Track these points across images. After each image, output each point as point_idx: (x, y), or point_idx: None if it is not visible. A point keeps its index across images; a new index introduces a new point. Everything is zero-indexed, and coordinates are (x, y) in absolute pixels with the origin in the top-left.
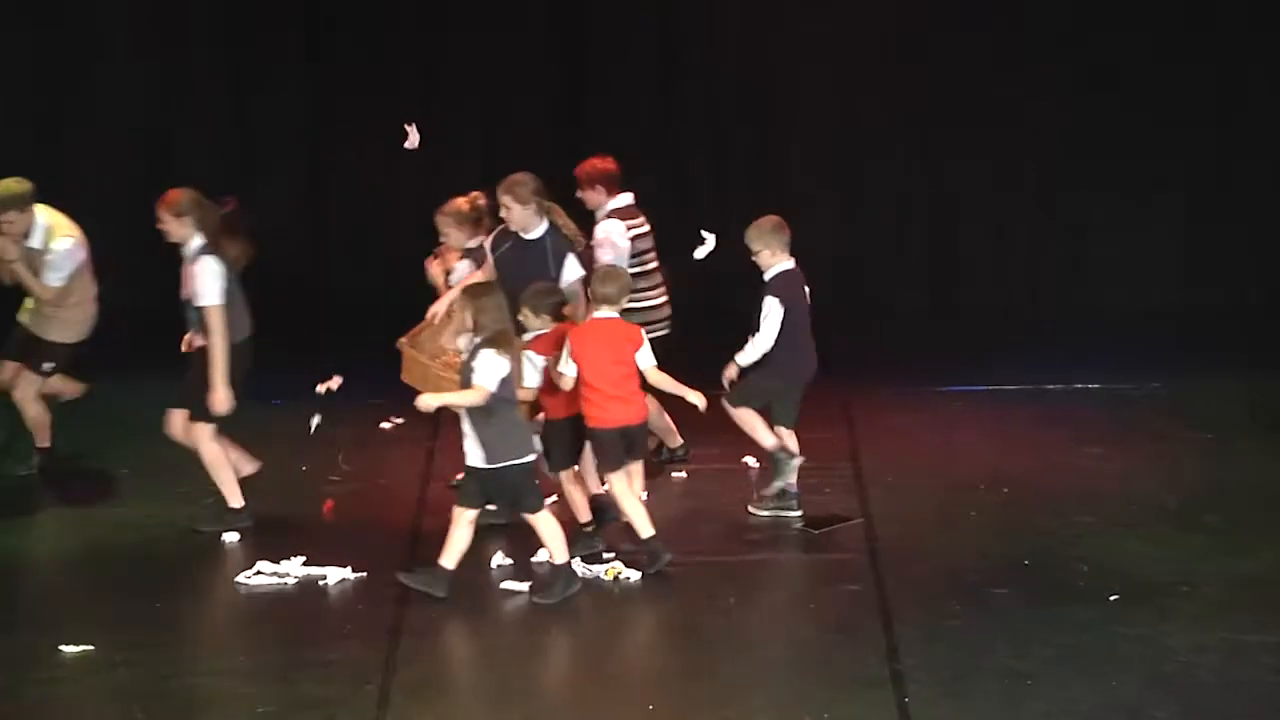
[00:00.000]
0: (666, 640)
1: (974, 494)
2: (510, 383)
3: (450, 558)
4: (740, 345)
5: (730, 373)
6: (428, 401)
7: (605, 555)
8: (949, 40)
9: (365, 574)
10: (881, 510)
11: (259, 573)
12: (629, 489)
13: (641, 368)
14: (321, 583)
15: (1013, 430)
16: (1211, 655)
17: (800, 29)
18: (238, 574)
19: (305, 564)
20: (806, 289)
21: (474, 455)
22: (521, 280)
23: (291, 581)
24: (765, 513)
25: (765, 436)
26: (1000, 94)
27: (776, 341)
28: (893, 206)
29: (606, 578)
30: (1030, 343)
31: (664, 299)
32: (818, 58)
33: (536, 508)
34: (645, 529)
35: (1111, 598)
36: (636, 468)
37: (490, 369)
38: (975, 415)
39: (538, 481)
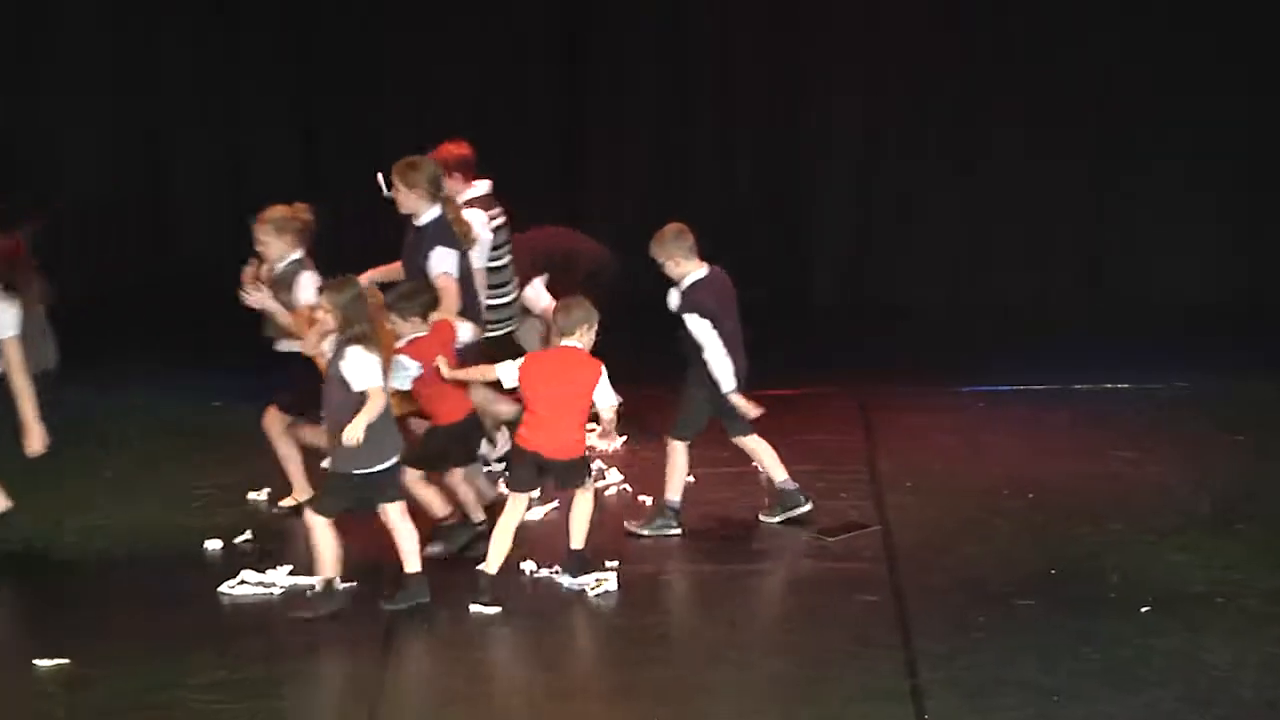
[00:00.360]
0: (671, 654)
1: (998, 500)
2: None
3: (410, 562)
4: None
5: (742, 404)
6: (353, 434)
7: (604, 568)
8: (979, 28)
9: (354, 583)
10: (900, 517)
11: (243, 582)
12: (513, 518)
13: (598, 405)
14: (309, 593)
15: (1039, 432)
16: (1250, 670)
17: (820, 21)
18: (221, 583)
19: (292, 573)
20: (733, 290)
21: (344, 459)
22: (411, 268)
23: (277, 592)
24: (776, 519)
25: (777, 470)
26: (1031, 83)
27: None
28: (910, 198)
29: (592, 591)
30: (1057, 340)
31: (514, 296)
32: (841, 55)
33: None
34: (494, 564)
35: (1144, 609)
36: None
37: (366, 368)
38: (999, 416)
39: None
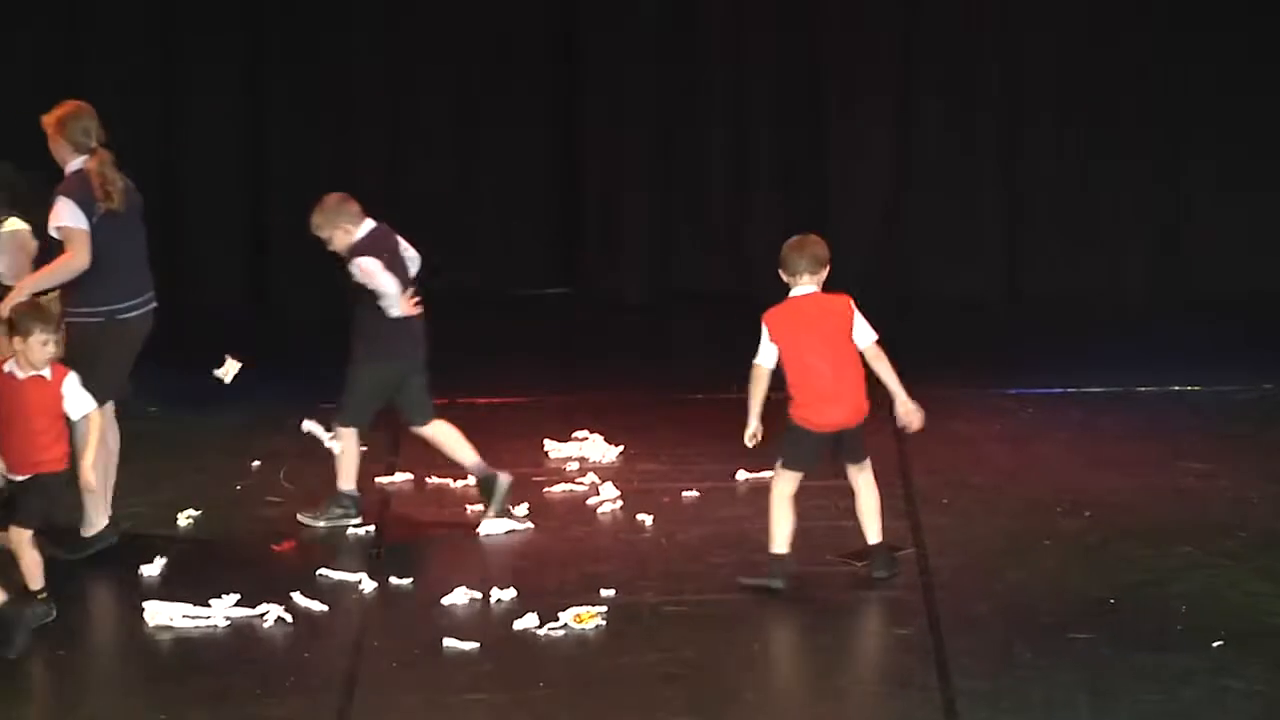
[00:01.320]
0: (676, 693)
1: (1049, 518)
2: None
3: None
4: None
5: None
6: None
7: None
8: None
9: (311, 613)
10: (937, 538)
11: (184, 616)
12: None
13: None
14: (266, 624)
15: (1095, 441)
16: None
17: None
18: (159, 614)
19: (239, 603)
20: (398, 243)
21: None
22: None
23: (223, 624)
24: (322, 524)
25: (467, 455)
26: (1085, 67)
27: (377, 318)
28: (949, 178)
29: (577, 624)
30: (1117, 337)
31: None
32: (865, 37)
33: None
34: (783, 544)
35: (1216, 644)
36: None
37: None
38: (1051, 423)
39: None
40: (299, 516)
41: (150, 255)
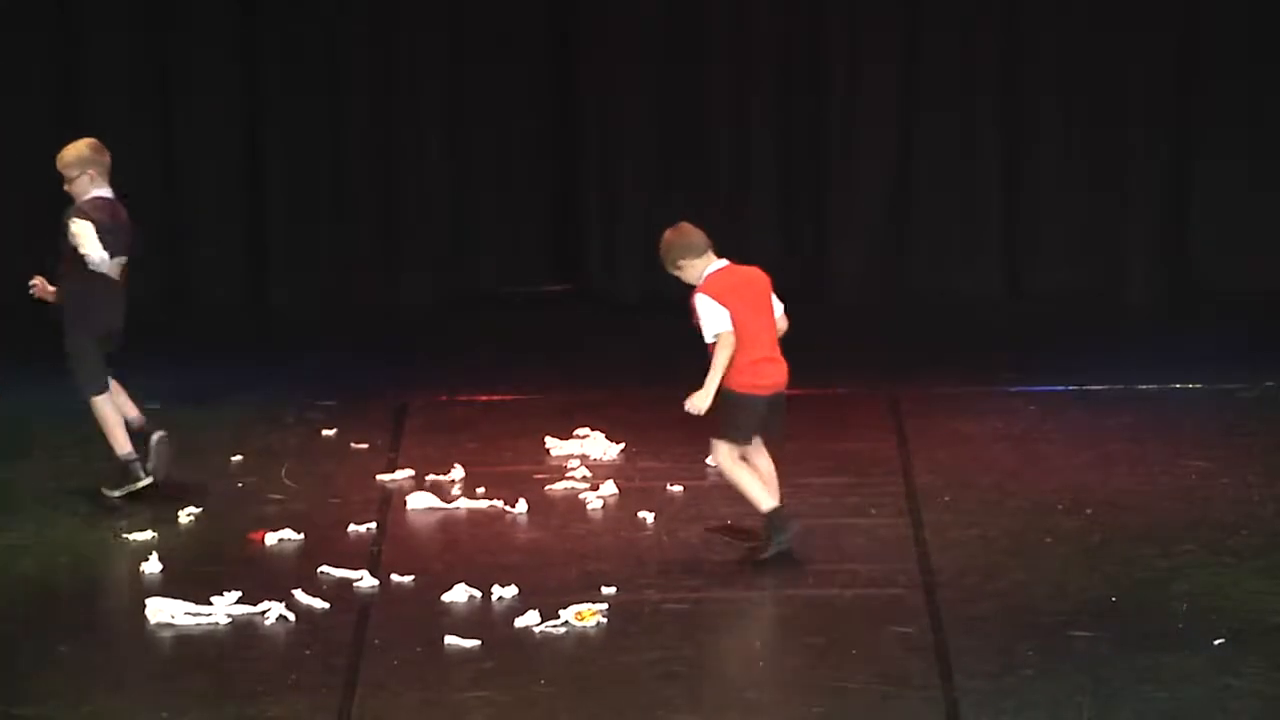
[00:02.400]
0: (677, 691)
1: (1051, 517)
2: None
3: None
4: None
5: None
6: None
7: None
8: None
9: (312, 611)
10: (939, 537)
11: (186, 613)
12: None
13: None
14: (267, 622)
15: (1098, 439)
16: None
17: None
18: (160, 611)
19: (240, 601)
20: (132, 226)
21: None
22: None
23: (224, 622)
24: (117, 494)
25: (120, 440)
26: (1087, 59)
27: (85, 286)
28: (951, 174)
29: (578, 622)
30: (1120, 335)
31: None
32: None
33: None
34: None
35: (1218, 642)
36: None
37: None
38: (1053, 421)
39: None
40: (102, 491)
41: (151, 255)
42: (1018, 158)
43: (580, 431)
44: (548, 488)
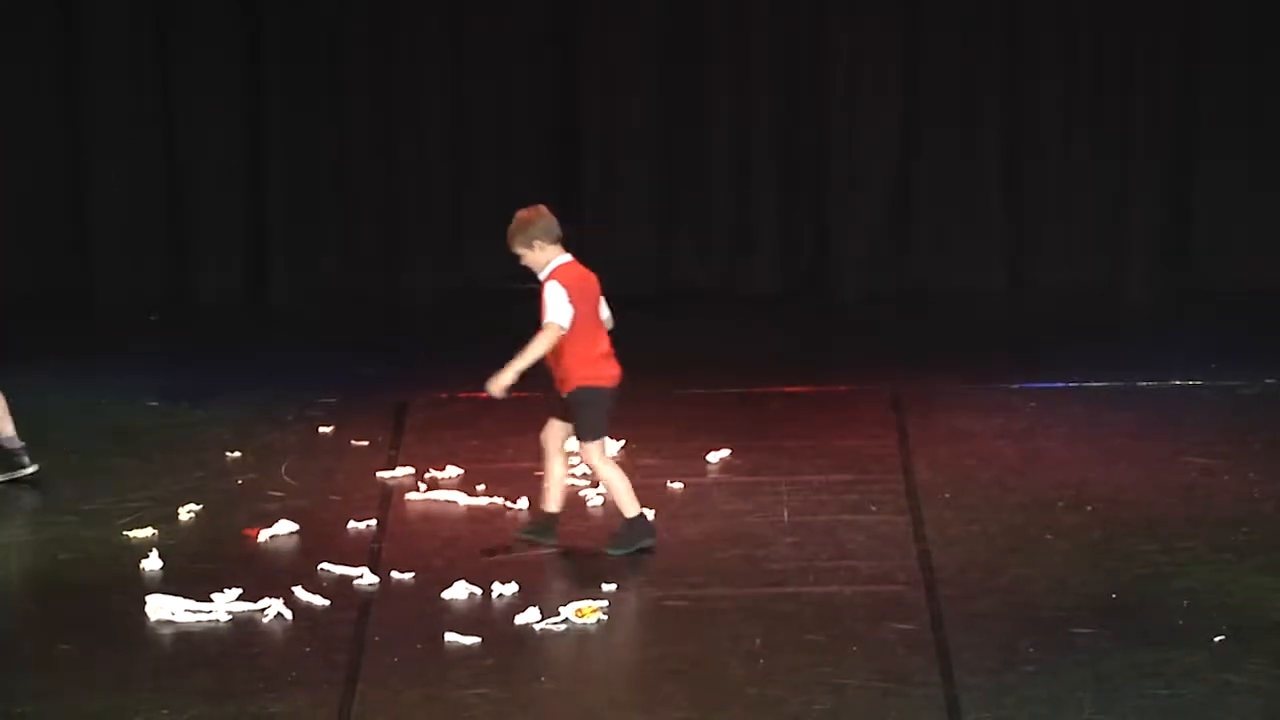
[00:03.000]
0: (677, 688)
1: (1051, 513)
2: None
3: None
4: None
5: None
6: None
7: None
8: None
9: (312, 608)
10: (940, 533)
11: (186, 610)
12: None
13: None
14: (267, 619)
15: (1099, 436)
16: None
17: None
18: (160, 608)
19: (241, 598)
20: None
21: None
22: None
23: (225, 619)
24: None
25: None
26: (1087, 58)
27: None
28: (950, 173)
29: (578, 619)
30: (1120, 332)
31: None
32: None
33: None
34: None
35: (1218, 639)
36: None
37: None
38: (1054, 418)
39: None
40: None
41: (151, 255)
42: (1019, 156)
43: None
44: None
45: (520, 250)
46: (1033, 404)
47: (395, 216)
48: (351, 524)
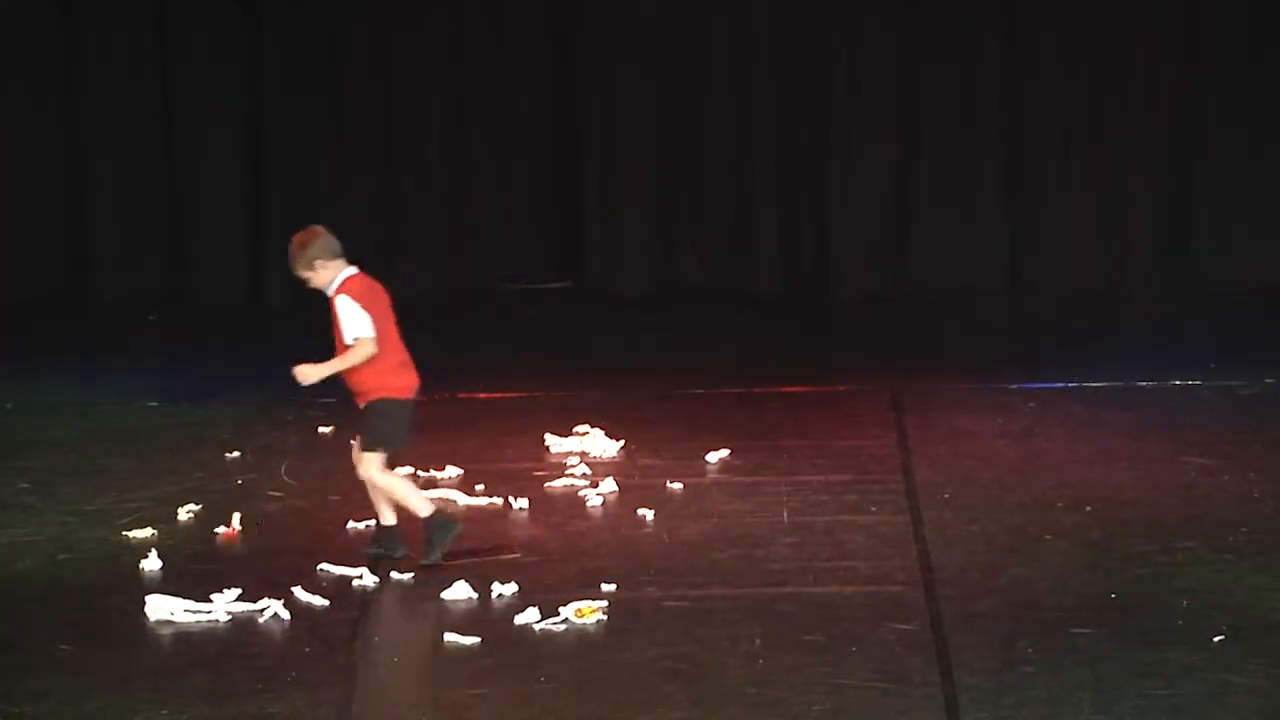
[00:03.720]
0: (677, 688)
1: (1051, 513)
2: None
3: None
4: None
5: None
6: None
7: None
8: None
9: (312, 608)
10: (939, 533)
11: (186, 611)
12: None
13: None
14: (266, 619)
15: (1099, 436)
16: None
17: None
18: (160, 609)
19: (240, 598)
20: None
21: None
22: None
23: (224, 619)
24: None
25: None
26: (1087, 58)
27: None
28: (950, 173)
29: (578, 619)
30: (1120, 332)
31: None
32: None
33: None
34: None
35: (1218, 639)
36: None
37: None
38: (1053, 418)
39: None
40: None
41: (151, 255)
42: (1019, 156)
43: (580, 429)
44: (548, 485)
45: (304, 274)
46: (1032, 404)
47: (395, 216)
48: (351, 524)
